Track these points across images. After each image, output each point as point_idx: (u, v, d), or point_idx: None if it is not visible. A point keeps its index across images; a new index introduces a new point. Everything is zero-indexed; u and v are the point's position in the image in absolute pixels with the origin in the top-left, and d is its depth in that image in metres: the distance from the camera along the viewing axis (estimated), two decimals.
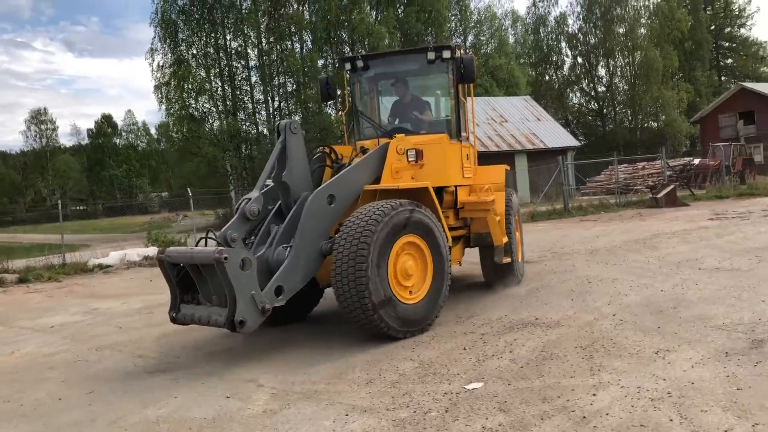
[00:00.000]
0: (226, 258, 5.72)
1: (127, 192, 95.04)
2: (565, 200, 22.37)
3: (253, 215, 6.40)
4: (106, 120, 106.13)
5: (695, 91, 62.68)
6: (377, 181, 7.24)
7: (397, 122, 8.70)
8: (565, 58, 61.93)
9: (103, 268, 15.87)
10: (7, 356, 7.52)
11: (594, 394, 4.66)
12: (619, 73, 60.52)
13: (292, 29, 40.63)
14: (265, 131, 40.54)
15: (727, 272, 9.01)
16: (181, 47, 37.66)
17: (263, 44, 39.48)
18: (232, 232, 6.18)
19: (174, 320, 6.49)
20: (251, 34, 39.39)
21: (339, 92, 11.19)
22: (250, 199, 6.47)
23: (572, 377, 5.09)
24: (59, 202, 18.68)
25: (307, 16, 41.41)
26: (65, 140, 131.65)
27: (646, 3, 61.76)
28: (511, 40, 59.60)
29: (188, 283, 6.43)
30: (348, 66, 8.57)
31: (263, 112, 40.38)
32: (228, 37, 39.31)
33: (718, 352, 5.41)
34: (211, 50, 38.66)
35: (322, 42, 42.64)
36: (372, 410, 4.72)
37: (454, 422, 4.36)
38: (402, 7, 44.35)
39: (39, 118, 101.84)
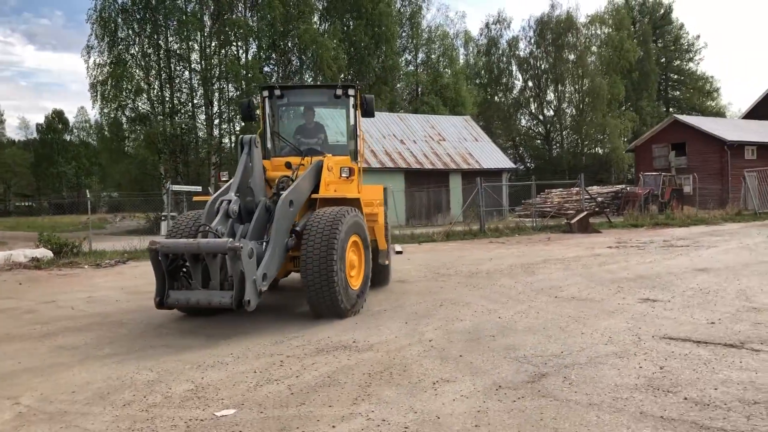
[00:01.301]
0: (241, 247, 6.74)
1: (75, 190, 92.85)
2: (481, 222, 22.40)
3: (234, 214, 7.69)
4: (57, 116, 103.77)
5: (641, 121, 64.09)
6: (315, 190, 8.70)
7: (305, 143, 9.99)
8: (516, 81, 62.92)
9: None
10: None
11: (333, 426, 4.46)
12: (567, 98, 61.63)
13: (237, 35, 40.19)
14: (202, 135, 39.97)
15: (577, 302, 8.99)
16: (120, 46, 36.88)
17: (207, 48, 38.99)
18: (220, 228, 7.45)
19: (161, 305, 7.33)
20: (194, 37, 38.87)
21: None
22: (229, 200, 7.69)
23: (330, 407, 4.89)
24: None
25: (254, 23, 41.07)
26: (14, 134, 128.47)
27: (598, 32, 63.20)
28: (462, 60, 60.14)
29: (174, 272, 7.34)
30: (266, 93, 9.91)
31: (202, 116, 39.82)
32: (170, 39, 38.68)
33: (494, 384, 5.28)
34: (151, 51, 37.96)
35: (267, 50, 42.39)
36: None
37: None
38: (350, 21, 44.33)
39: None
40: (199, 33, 38.72)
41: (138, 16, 37.78)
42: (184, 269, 7.44)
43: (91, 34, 36.69)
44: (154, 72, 38.03)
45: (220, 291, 7.12)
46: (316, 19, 45.73)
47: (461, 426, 4.39)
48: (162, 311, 8.83)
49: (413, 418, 4.57)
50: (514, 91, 62.61)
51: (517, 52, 61.12)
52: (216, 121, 39.51)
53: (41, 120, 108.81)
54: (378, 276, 10.24)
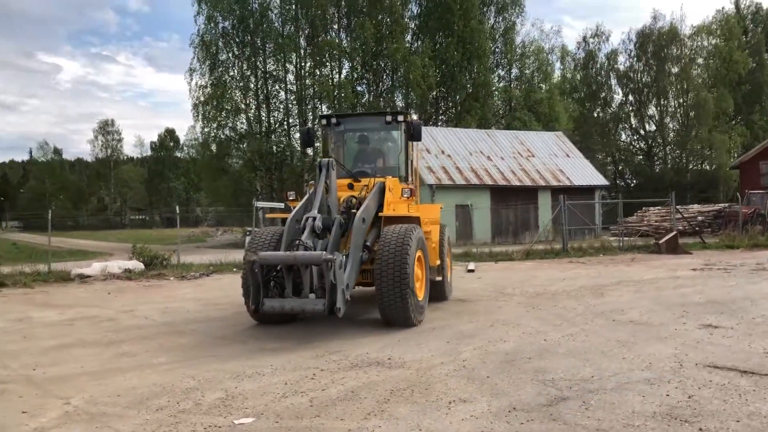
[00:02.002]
0: (334, 259, 7.59)
1: (185, 204, 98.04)
2: (563, 240, 21.93)
3: (319, 230, 8.48)
4: (169, 134, 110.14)
5: (751, 136, 60.48)
6: (379, 209, 9.46)
7: (361, 166, 10.71)
8: (615, 95, 61.00)
9: (83, 278, 16.45)
10: None
11: None
12: (670, 113, 59.10)
13: (331, 55, 41.36)
14: (297, 153, 41.30)
15: (634, 325, 8.75)
16: (220, 69, 38.84)
17: (301, 69, 40.36)
18: (309, 242, 8.25)
19: (256, 312, 8.24)
20: (290, 59, 40.32)
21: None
22: (314, 217, 8.53)
23: (342, 420, 5.08)
24: (49, 211, 19.29)
25: (347, 44, 42.13)
26: (130, 151, 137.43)
27: (704, 43, 60.38)
28: (558, 74, 59.05)
29: (267, 282, 8.09)
30: (324, 122, 10.81)
31: (296, 135, 41.15)
32: (267, 61, 40.33)
33: (509, 406, 5.30)
34: (249, 73, 39.73)
35: (359, 69, 43.34)
36: None
37: None
38: (441, 39, 44.61)
39: (106, 129, 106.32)
40: (294, 54, 40.18)
41: (237, 40, 39.71)
42: (275, 280, 8.17)
43: (194, 58, 38.92)
44: (251, 93, 39.79)
45: (312, 299, 7.82)
46: (408, 37, 46.34)
47: None
48: (216, 324, 9.39)
49: None
50: (613, 106, 60.73)
51: (616, 66, 59.34)
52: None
53: (155, 138, 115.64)
54: (431, 291, 10.40)
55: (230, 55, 39.42)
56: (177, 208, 25.85)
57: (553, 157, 36.09)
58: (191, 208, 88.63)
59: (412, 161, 10.90)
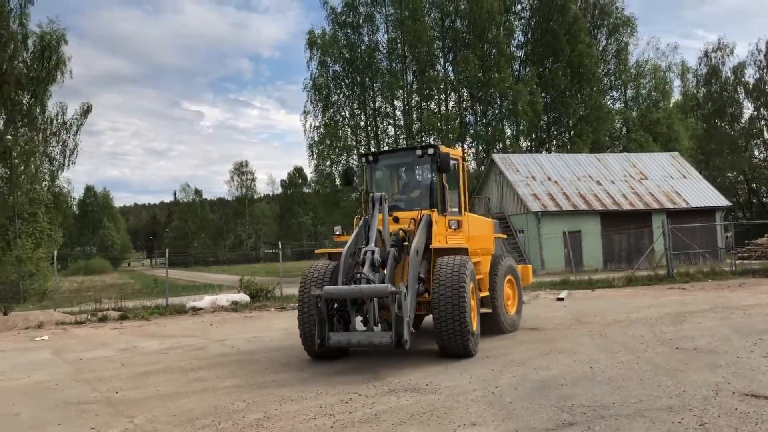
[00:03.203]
0: (401, 292, 7.88)
1: (313, 238, 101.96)
2: (668, 266, 21.05)
3: (378, 263, 8.75)
4: (298, 171, 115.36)
5: None
6: (428, 241, 9.64)
7: (395, 200, 10.82)
8: (744, 110, 57.42)
9: (196, 310, 17.91)
10: (12, 381, 9.28)
11: None
12: None
13: (438, 89, 42.18)
14: None
15: (695, 353, 8.56)
16: (332, 110, 40.69)
17: (407, 105, 41.46)
18: (372, 275, 8.50)
19: (322, 346, 8.33)
20: (398, 95, 41.54)
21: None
22: (373, 251, 8.79)
23: None
24: (167, 250, 21.03)
25: (452, 77, 42.81)
26: (263, 189, 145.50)
27: None
28: (678, 93, 56.50)
29: (331, 317, 8.40)
30: (363, 159, 11.24)
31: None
32: (375, 99, 41.77)
33: (514, 429, 5.53)
34: (359, 111, 41.33)
35: (468, 100, 43.81)
36: None
37: None
38: (549, 64, 44.26)
39: (241, 170, 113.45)
40: (401, 91, 41.38)
41: (347, 81, 41.51)
42: (338, 314, 8.53)
43: (307, 101, 41.02)
44: (361, 130, 41.33)
45: (379, 332, 8.11)
46: (516, 66, 46.37)
47: None
48: (288, 352, 10.10)
49: None
50: (742, 121, 57.15)
51: (743, 79, 55.96)
52: None
53: (285, 176, 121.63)
54: (483, 324, 10.50)
55: (341, 95, 41.22)
56: (279, 243, 27.30)
57: (668, 179, 34.61)
58: (319, 241, 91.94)
59: (460, 193, 10.92)
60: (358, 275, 8.50)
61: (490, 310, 10.78)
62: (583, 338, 10.34)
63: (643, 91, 50.23)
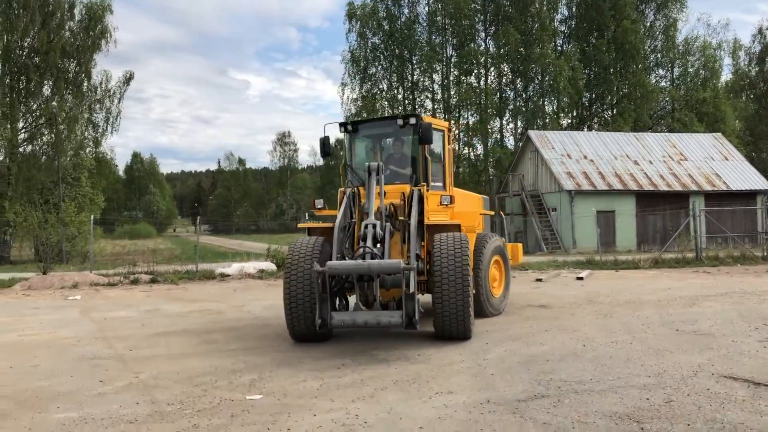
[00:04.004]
0: (413, 268, 7.53)
1: None
2: (697, 249, 20.82)
3: (380, 237, 8.30)
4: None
5: None
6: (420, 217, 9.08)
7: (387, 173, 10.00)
8: None
9: (224, 277, 18.52)
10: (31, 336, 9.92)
11: (315, 415, 5.45)
12: None
13: (477, 62, 41.89)
14: None
15: (693, 336, 8.65)
16: (369, 83, 40.81)
17: (446, 79, 41.30)
18: (374, 250, 8.01)
19: (324, 326, 7.68)
20: (437, 68, 41.41)
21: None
22: (374, 224, 8.31)
23: (332, 401, 5.87)
24: (196, 219, 21.62)
25: (493, 51, 42.42)
26: (305, 160, 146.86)
27: None
28: (729, 72, 54.80)
29: (334, 295, 7.99)
30: (343, 129, 10.42)
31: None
32: (414, 73, 41.73)
33: (485, 400, 5.78)
34: (397, 84, 41.36)
35: (509, 75, 43.40)
36: (166, 412, 5.98)
37: (197, 414, 5.47)
38: (592, 40, 43.43)
39: (283, 140, 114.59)
40: (440, 64, 41.24)
41: (386, 53, 41.50)
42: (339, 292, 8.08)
43: (345, 73, 41.24)
44: (398, 104, 41.37)
45: (387, 311, 7.68)
46: (559, 41, 45.64)
47: (408, 425, 5.10)
48: None
49: (381, 417, 5.37)
50: None
51: None
52: (456, 148, 41.47)
53: None
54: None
55: (379, 68, 41.29)
56: (305, 215, 27.71)
57: (708, 161, 33.90)
58: None
59: (444, 166, 10.38)
60: (362, 250, 8.00)
61: (473, 292, 10.08)
62: (588, 317, 10.49)
63: (690, 69, 48.96)
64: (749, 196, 32.09)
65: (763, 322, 9.61)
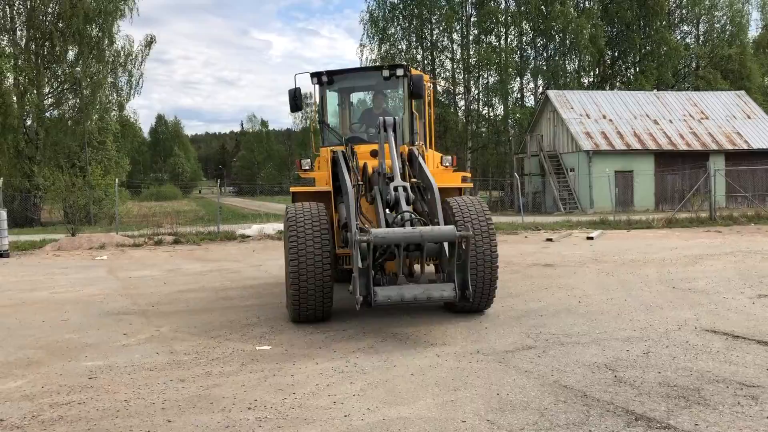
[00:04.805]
0: (472, 235, 6.45)
1: None
2: (711, 209, 20.95)
3: (412, 201, 7.24)
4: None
5: None
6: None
7: (356, 131, 9.47)
8: None
9: (244, 238, 19.14)
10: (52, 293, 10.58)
11: (317, 363, 5.96)
12: None
13: (499, 21, 41.55)
14: (463, 120, 42.22)
15: (686, 293, 9.01)
16: (387, 43, 40.75)
17: (465, 39, 41.08)
18: (416, 215, 6.99)
19: (369, 305, 6.34)
20: (456, 28, 41.18)
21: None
22: (405, 186, 7.17)
23: (335, 351, 6.36)
24: (218, 180, 22.18)
25: (514, 9, 42.01)
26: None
27: None
28: (758, 27, 53.55)
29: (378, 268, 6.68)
30: (316, 80, 9.19)
31: (462, 103, 42.10)
32: (433, 32, 41.52)
33: (475, 350, 6.22)
34: (416, 45, 41.25)
35: (530, 33, 43.00)
36: (183, 360, 6.54)
37: (210, 362, 6.01)
38: None
39: (306, 101, 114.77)
40: (459, 23, 40.98)
41: (405, 13, 41.31)
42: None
43: (363, 33, 41.25)
44: (418, 64, 41.28)
45: (436, 284, 6.55)
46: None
47: (401, 372, 5.58)
48: None
49: (377, 365, 5.85)
50: None
51: None
52: (473, 107, 41.48)
53: None
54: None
55: (398, 28, 41.16)
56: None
57: (730, 120, 33.58)
58: None
59: (425, 124, 9.39)
60: (407, 215, 6.87)
61: None
62: (589, 275, 10.87)
63: (717, 25, 47.99)
64: None
65: (759, 279, 9.93)
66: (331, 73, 9.19)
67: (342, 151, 8.32)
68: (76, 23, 31.83)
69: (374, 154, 8.49)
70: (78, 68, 32.58)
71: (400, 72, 8.80)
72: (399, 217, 6.88)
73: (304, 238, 7.11)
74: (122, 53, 35.05)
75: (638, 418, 4.36)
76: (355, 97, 10.11)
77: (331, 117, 9.64)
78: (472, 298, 6.76)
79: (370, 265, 6.33)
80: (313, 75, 9.16)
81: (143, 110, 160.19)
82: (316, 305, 7.28)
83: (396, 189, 7.15)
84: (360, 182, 7.88)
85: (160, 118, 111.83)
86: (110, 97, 34.62)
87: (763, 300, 8.37)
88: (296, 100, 9.17)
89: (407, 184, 7.24)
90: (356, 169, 8.02)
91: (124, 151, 35.71)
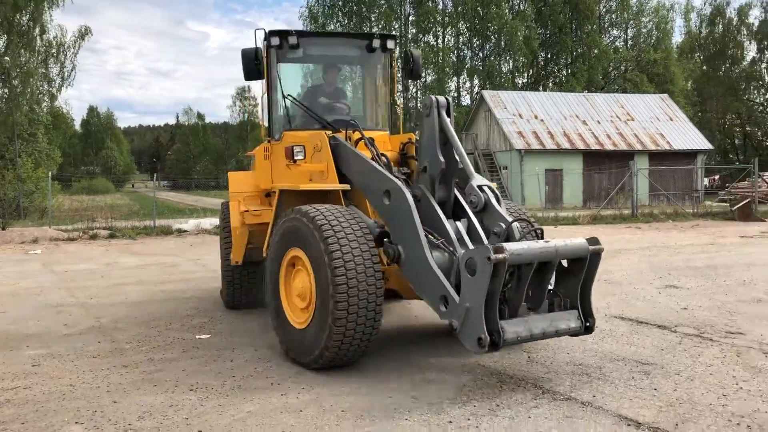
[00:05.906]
0: (603, 249, 5.17)
1: None
2: (633, 206, 22.16)
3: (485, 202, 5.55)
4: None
5: None
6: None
7: (328, 112, 7.21)
8: (746, 53, 57.20)
9: (181, 232, 19.15)
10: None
11: (255, 349, 6.31)
12: None
13: (435, 22, 42.35)
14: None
15: (598, 284, 9.61)
16: None
17: (403, 38, 41.68)
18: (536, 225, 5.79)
19: (497, 346, 4.65)
20: (395, 27, 41.75)
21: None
22: (481, 186, 5.55)
23: (275, 337, 6.73)
24: (152, 176, 22.04)
25: (451, 9, 42.89)
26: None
27: None
28: (680, 33, 56.22)
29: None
30: (276, 42, 6.96)
31: (400, 101, 42.69)
32: (373, 30, 41.95)
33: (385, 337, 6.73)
34: None
35: (466, 34, 43.98)
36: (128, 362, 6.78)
37: (152, 350, 6.28)
38: (548, 0, 44.20)
39: (243, 95, 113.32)
40: (398, 22, 41.60)
41: (345, 10, 41.65)
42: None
43: (303, 28, 41.24)
44: None
45: (560, 313, 5.10)
46: (516, 1, 46.25)
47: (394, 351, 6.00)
48: None
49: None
50: (744, 64, 57.00)
51: (747, 20, 55.59)
52: (411, 104, 42.17)
53: None
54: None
55: (337, 25, 41.42)
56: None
57: (654, 121, 35.31)
58: None
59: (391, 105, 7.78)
60: (532, 225, 5.73)
61: None
62: None
63: (644, 30, 50.17)
64: (690, 155, 33.67)
65: (668, 272, 10.76)
66: (301, 35, 7.09)
67: (339, 141, 6.34)
68: (3, 11, 30.84)
69: (371, 141, 6.45)
70: (7, 57, 31.59)
71: (391, 44, 7.22)
72: (503, 227, 5.24)
73: (351, 254, 5.17)
74: (54, 43, 34.14)
75: (545, 392, 4.91)
76: (326, 69, 7.75)
77: (288, 91, 7.18)
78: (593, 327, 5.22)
79: (498, 292, 4.66)
80: (273, 33, 6.97)
81: (74, 101, 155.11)
82: (363, 338, 5.32)
83: (481, 188, 5.49)
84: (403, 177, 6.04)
85: (92, 110, 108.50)
86: (41, 88, 33.71)
87: (669, 290, 9.15)
88: (256, 63, 6.92)
89: (493, 184, 5.67)
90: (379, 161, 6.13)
91: (56, 143, 34.79)
